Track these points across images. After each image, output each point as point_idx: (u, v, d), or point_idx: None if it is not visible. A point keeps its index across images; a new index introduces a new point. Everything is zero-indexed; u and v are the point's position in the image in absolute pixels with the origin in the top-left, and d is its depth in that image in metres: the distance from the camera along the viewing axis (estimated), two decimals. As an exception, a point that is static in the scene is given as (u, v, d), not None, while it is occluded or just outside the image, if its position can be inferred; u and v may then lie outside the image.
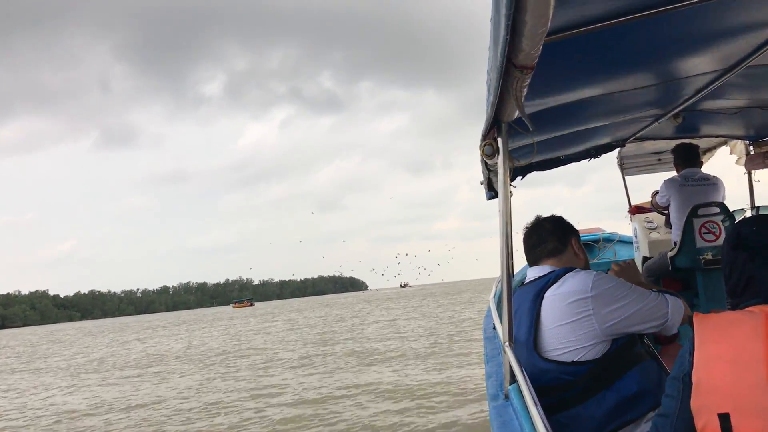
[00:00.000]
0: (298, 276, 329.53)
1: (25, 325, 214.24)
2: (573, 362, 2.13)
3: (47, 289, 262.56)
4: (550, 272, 2.33)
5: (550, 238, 2.46)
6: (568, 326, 2.14)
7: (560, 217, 2.58)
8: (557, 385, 2.12)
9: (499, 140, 2.05)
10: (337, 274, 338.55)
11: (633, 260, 2.69)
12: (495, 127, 2.04)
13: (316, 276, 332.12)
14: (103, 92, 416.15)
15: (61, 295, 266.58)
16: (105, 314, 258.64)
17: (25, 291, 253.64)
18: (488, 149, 2.09)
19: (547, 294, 2.23)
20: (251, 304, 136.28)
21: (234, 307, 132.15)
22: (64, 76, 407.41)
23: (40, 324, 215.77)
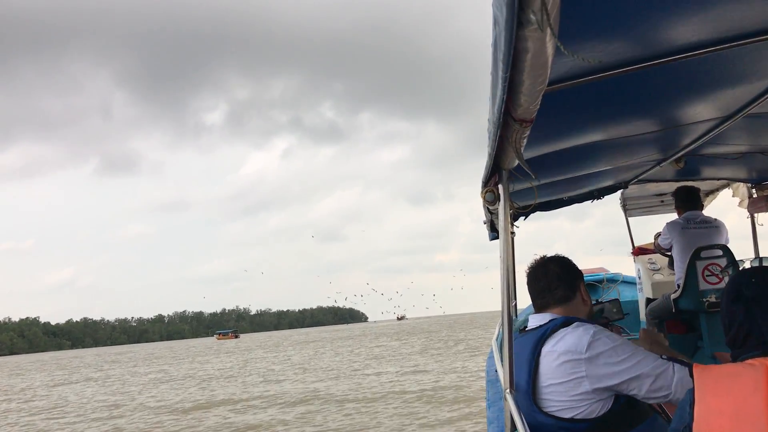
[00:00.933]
0: (297, 306, 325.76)
1: (11, 353, 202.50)
2: (572, 419, 2.09)
3: (38, 317, 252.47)
4: (551, 320, 2.25)
5: (559, 285, 2.34)
6: (562, 385, 2.09)
7: (567, 259, 2.47)
8: None
9: (500, 187, 2.07)
10: (336, 305, 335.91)
11: (660, 334, 2.54)
12: (496, 174, 2.06)
13: (315, 306, 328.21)
14: (104, 119, 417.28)
15: (53, 323, 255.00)
16: (97, 343, 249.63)
17: (16, 318, 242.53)
18: (490, 196, 2.11)
19: (545, 349, 2.16)
20: (236, 336, 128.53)
21: (217, 339, 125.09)
22: (64, 102, 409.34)
23: (27, 352, 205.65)
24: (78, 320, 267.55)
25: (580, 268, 2.45)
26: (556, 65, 1.66)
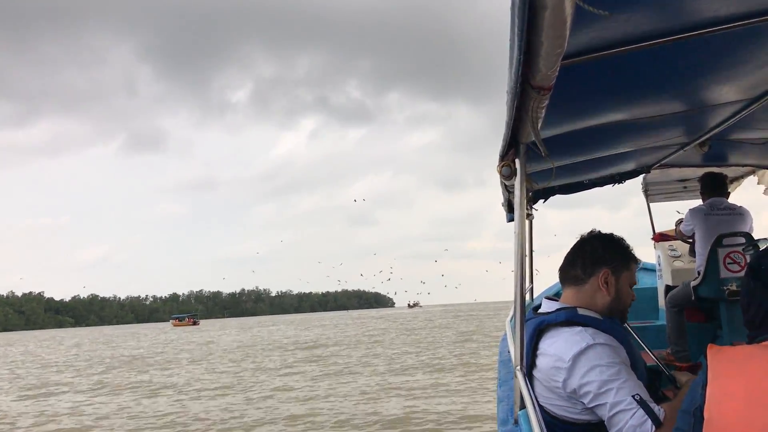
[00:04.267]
0: (323, 289, 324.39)
1: (4, 330, 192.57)
2: (560, 419, 2.07)
3: (42, 291, 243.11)
4: (558, 310, 2.18)
5: (578, 264, 2.23)
6: (548, 388, 2.08)
7: (610, 239, 2.28)
8: None
9: (517, 161, 2.04)
10: (361, 289, 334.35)
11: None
12: (513, 148, 2.03)
13: (339, 290, 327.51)
14: (129, 95, 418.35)
15: (56, 298, 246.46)
16: (102, 321, 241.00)
17: (19, 292, 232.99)
18: (506, 170, 2.08)
19: (541, 346, 2.12)
20: (195, 323, 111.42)
21: (173, 325, 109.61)
22: (88, 77, 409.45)
23: (24, 329, 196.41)
24: (84, 297, 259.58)
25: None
26: (576, 36, 1.63)
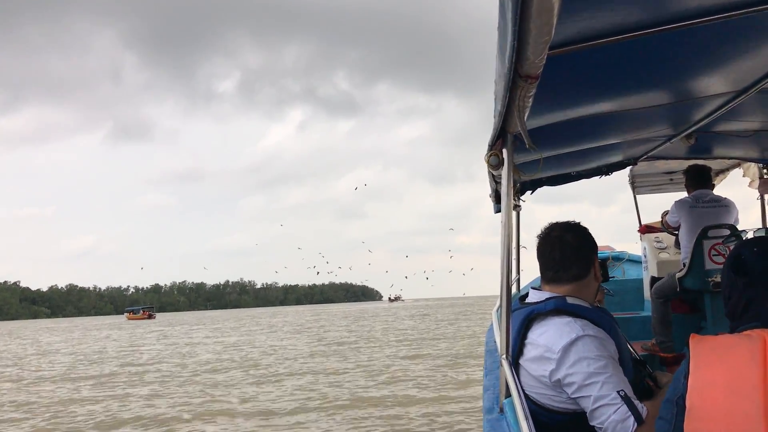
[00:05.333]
0: (310, 282, 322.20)
1: None
2: (546, 408, 2.07)
3: (18, 281, 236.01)
4: (547, 299, 2.16)
5: (575, 260, 2.20)
6: (535, 377, 2.09)
7: (585, 229, 2.28)
8: (539, 423, 2.03)
9: (504, 151, 2.04)
10: (349, 282, 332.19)
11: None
12: (501, 138, 2.04)
13: (326, 282, 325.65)
14: (114, 83, 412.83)
15: (32, 288, 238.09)
16: (81, 312, 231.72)
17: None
18: (494, 160, 2.08)
19: (530, 335, 2.12)
20: (150, 316, 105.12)
21: (128, 318, 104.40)
22: (72, 64, 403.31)
23: None
24: (62, 287, 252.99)
25: None
26: (563, 25, 1.62)
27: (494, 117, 1.90)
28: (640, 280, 6.36)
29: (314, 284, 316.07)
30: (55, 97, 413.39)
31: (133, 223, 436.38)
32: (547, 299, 2.17)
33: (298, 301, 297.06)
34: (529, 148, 1.83)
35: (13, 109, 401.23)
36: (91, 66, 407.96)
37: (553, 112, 2.62)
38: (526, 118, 1.68)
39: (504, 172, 2.06)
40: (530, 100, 1.60)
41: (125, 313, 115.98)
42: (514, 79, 1.50)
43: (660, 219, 5.41)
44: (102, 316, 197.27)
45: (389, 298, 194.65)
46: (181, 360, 20.89)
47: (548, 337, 2.06)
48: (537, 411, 2.07)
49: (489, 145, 2.13)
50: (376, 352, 19.89)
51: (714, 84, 2.68)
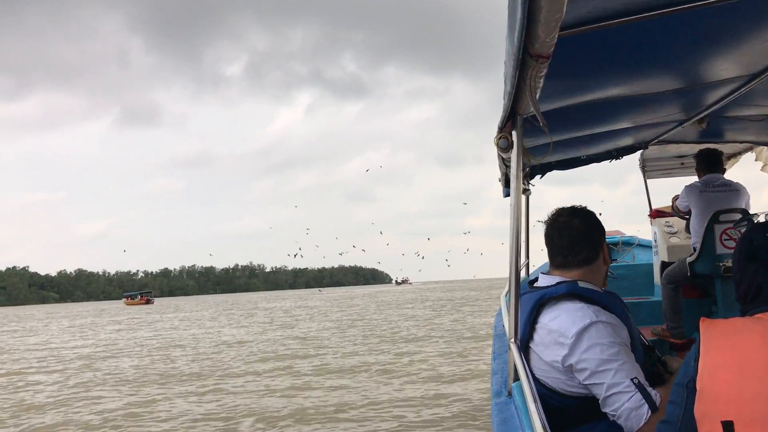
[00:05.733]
0: (319, 265, 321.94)
1: None
2: (559, 392, 2.06)
3: (27, 266, 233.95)
4: (558, 283, 2.15)
5: (584, 245, 2.20)
6: (547, 362, 2.07)
7: (593, 213, 2.28)
8: (547, 407, 2.01)
9: (514, 134, 2.02)
10: (358, 265, 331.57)
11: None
12: (511, 120, 2.02)
13: (336, 266, 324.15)
14: (121, 67, 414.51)
15: (41, 273, 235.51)
16: (89, 297, 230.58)
17: (3, 267, 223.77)
18: (503, 142, 2.06)
19: (541, 320, 2.11)
20: (148, 301, 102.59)
21: (126, 303, 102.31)
22: (78, 49, 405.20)
23: (6, 305, 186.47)
24: (70, 272, 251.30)
25: None
26: (574, 5, 1.60)
27: (504, 98, 1.88)
28: (650, 265, 6.33)
29: (323, 267, 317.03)
30: (62, 82, 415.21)
31: (142, 207, 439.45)
32: (557, 283, 2.16)
33: (308, 285, 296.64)
34: (542, 128, 1.81)
35: (21, 95, 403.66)
36: (97, 51, 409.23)
37: (564, 95, 2.59)
38: (537, 97, 1.66)
39: (513, 155, 2.04)
40: (541, 80, 1.58)
41: (123, 299, 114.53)
42: (525, 58, 1.48)
43: (671, 204, 5.37)
44: (99, 302, 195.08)
45: (396, 281, 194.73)
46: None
47: (561, 322, 2.04)
48: (547, 395, 2.06)
49: (498, 128, 2.11)
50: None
51: (728, 68, 2.64)
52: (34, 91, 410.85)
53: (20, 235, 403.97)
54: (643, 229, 7.12)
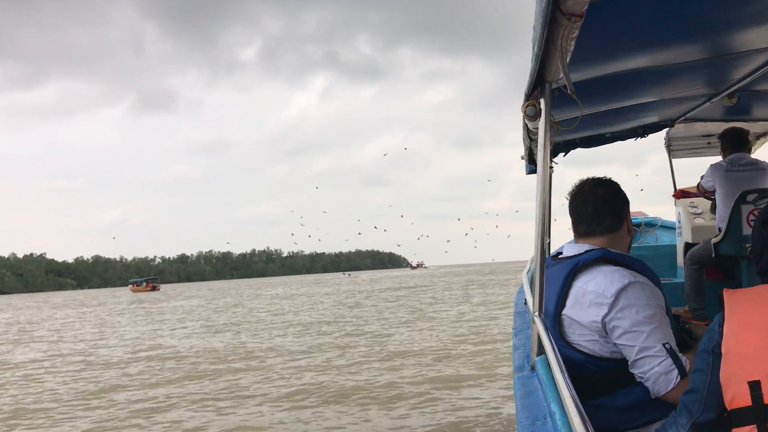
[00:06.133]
0: (336, 249, 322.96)
1: (1, 293, 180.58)
2: (595, 356, 2.03)
3: (44, 253, 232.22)
4: (588, 251, 2.14)
5: (608, 212, 2.19)
6: (585, 325, 2.04)
7: (617, 184, 2.28)
8: (582, 374, 2.01)
9: (542, 101, 1.97)
10: (375, 249, 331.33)
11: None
12: (539, 87, 1.96)
13: (353, 250, 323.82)
14: (136, 54, 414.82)
15: (58, 260, 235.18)
16: (106, 283, 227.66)
17: (20, 254, 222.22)
18: (530, 110, 2.01)
19: (576, 284, 2.09)
20: (154, 288, 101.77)
21: (132, 290, 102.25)
22: (92, 35, 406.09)
23: (22, 292, 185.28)
24: (87, 258, 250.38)
25: None
26: None
27: (531, 61, 1.82)
28: (673, 246, 6.24)
29: (341, 252, 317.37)
30: (77, 70, 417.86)
31: (159, 194, 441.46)
32: (587, 251, 2.15)
33: (325, 269, 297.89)
34: (570, 96, 1.75)
35: (38, 83, 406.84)
36: (112, 38, 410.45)
37: (589, 65, 2.52)
38: (568, 61, 1.59)
39: (541, 123, 1.99)
40: (573, 42, 1.51)
41: (129, 285, 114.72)
42: (556, 16, 1.42)
43: (696, 183, 5.27)
44: (105, 288, 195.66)
45: (411, 266, 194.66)
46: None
47: (598, 283, 2.03)
48: (586, 360, 2.04)
49: (525, 95, 2.06)
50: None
51: (759, 38, 2.55)
52: (49, 78, 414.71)
53: (38, 223, 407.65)
54: (665, 211, 7.02)
